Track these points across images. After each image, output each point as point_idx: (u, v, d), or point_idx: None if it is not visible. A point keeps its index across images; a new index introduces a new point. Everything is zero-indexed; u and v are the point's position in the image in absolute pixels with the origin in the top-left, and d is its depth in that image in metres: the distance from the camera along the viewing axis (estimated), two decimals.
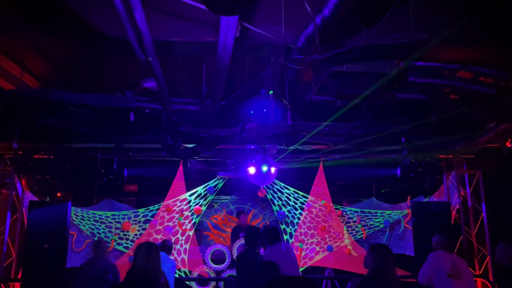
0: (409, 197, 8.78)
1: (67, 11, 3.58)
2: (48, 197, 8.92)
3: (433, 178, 8.20)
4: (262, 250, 8.30)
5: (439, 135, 6.29)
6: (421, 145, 6.73)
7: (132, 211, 8.73)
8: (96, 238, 8.20)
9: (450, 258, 5.35)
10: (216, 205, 9.75)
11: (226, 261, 8.37)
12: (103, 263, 5.44)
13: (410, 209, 8.34)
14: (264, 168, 7.04)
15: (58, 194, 9.47)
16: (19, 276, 7.55)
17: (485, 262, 7.95)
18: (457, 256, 5.53)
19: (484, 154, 7.73)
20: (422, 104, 5.65)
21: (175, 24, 3.68)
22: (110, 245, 8.13)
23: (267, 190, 8.93)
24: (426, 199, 8.80)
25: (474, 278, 7.78)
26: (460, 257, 5.60)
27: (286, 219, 8.92)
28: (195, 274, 8.34)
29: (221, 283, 8.19)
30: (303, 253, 8.67)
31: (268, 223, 9.73)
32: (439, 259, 5.33)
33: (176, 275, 8.19)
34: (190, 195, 8.69)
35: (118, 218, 8.50)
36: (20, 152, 7.26)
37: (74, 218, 8.18)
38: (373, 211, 8.98)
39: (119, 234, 8.37)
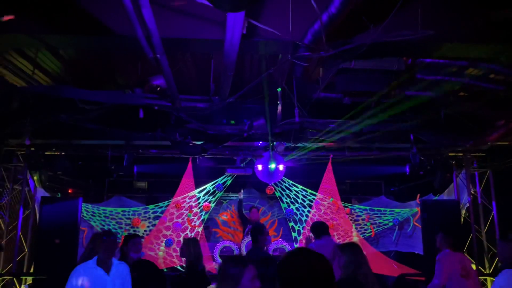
0: (418, 195, 8.73)
1: (77, 8, 3.63)
2: (59, 193, 9.05)
3: (443, 176, 8.14)
4: (271, 246, 8.36)
5: (448, 132, 6.25)
6: (430, 142, 6.70)
7: (142, 207, 8.82)
8: None
9: (458, 257, 5.23)
10: (225, 202, 9.80)
11: None
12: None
13: (419, 207, 8.29)
14: (272, 166, 7.07)
15: (69, 190, 9.59)
16: (31, 271, 7.69)
17: (495, 260, 7.88)
18: (463, 255, 5.42)
19: (494, 152, 7.67)
20: (431, 102, 5.62)
21: (184, 22, 3.72)
22: (120, 241, 8.23)
23: (276, 187, 8.95)
24: (436, 198, 8.74)
25: (484, 277, 7.76)
26: (465, 255, 5.49)
27: (295, 216, 8.94)
28: None
29: None
30: None
31: (276, 221, 9.75)
32: (452, 260, 5.17)
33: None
34: (199, 192, 8.75)
35: (128, 214, 8.60)
36: (32, 149, 7.39)
37: (85, 214, 8.29)
38: (382, 209, 8.95)
39: (129, 230, 8.47)
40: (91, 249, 6.01)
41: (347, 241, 8.75)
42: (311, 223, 8.74)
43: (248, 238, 8.40)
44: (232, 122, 6.02)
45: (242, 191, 9.05)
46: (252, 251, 5.18)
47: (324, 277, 1.59)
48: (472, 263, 7.89)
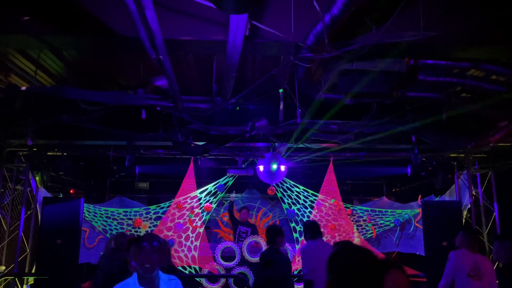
0: (420, 196, 8.74)
1: (80, 9, 3.64)
2: (61, 194, 9.07)
3: (445, 177, 8.14)
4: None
5: (450, 133, 6.25)
6: (432, 143, 6.69)
7: (143, 208, 8.84)
8: (108, 235, 8.33)
9: (473, 258, 5.08)
10: (226, 203, 9.82)
11: (236, 258, 8.42)
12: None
13: (420, 208, 8.29)
14: (274, 166, 7.08)
15: (71, 191, 9.62)
16: (33, 271, 7.71)
17: (497, 262, 7.88)
18: (482, 256, 5.28)
19: (496, 153, 7.66)
20: (433, 103, 5.61)
21: (186, 23, 3.73)
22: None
23: (277, 188, 8.96)
24: (437, 199, 8.74)
25: None
26: (486, 258, 5.38)
27: (296, 217, 8.94)
28: (205, 271, 8.41)
29: (231, 280, 8.24)
30: None
31: (278, 222, 9.76)
32: (461, 258, 5.05)
33: (187, 272, 8.28)
34: (201, 193, 8.77)
35: (130, 215, 8.61)
36: (34, 149, 7.41)
37: (87, 215, 8.31)
38: (383, 210, 8.96)
39: (130, 230, 8.48)
40: (114, 250, 5.90)
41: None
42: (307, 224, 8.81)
43: (249, 239, 8.40)
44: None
45: (234, 193, 9.10)
46: (270, 253, 5.13)
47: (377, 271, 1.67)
48: None
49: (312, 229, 5.44)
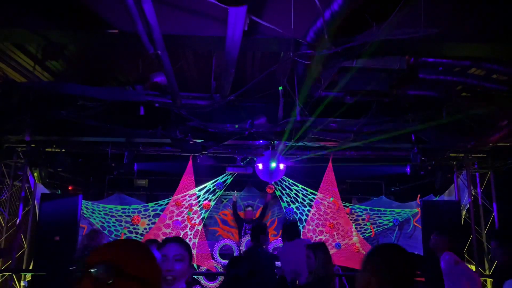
0: (419, 196, 8.72)
1: (78, 4, 3.61)
2: (59, 190, 9.04)
3: (444, 177, 8.12)
4: (270, 245, 8.36)
5: (450, 133, 6.22)
6: (431, 143, 6.67)
7: (142, 205, 8.81)
8: (106, 232, 8.30)
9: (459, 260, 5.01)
10: (225, 201, 9.79)
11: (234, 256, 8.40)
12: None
13: (419, 208, 8.27)
14: (273, 164, 7.06)
15: (69, 187, 9.58)
16: (30, 267, 7.68)
17: (495, 262, 7.87)
18: None
19: (495, 153, 7.64)
20: (433, 102, 5.59)
21: (185, 19, 3.70)
22: (119, 238, 8.24)
23: (276, 186, 8.94)
24: (436, 198, 8.72)
25: (484, 278, 7.73)
26: None
27: (295, 215, 8.92)
28: (203, 269, 8.39)
29: None
30: None
31: (276, 220, 9.74)
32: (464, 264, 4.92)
33: None
34: (199, 190, 8.74)
35: (128, 212, 8.58)
36: (33, 145, 7.38)
37: (85, 211, 8.28)
38: (382, 209, 8.93)
39: (128, 227, 8.46)
40: (86, 246, 5.96)
41: (346, 241, 8.74)
42: (311, 222, 8.79)
43: (248, 237, 8.38)
44: (236, 126, 6.00)
45: (236, 194, 9.08)
46: (251, 251, 5.13)
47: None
48: (472, 264, 7.89)
49: (288, 231, 5.40)
